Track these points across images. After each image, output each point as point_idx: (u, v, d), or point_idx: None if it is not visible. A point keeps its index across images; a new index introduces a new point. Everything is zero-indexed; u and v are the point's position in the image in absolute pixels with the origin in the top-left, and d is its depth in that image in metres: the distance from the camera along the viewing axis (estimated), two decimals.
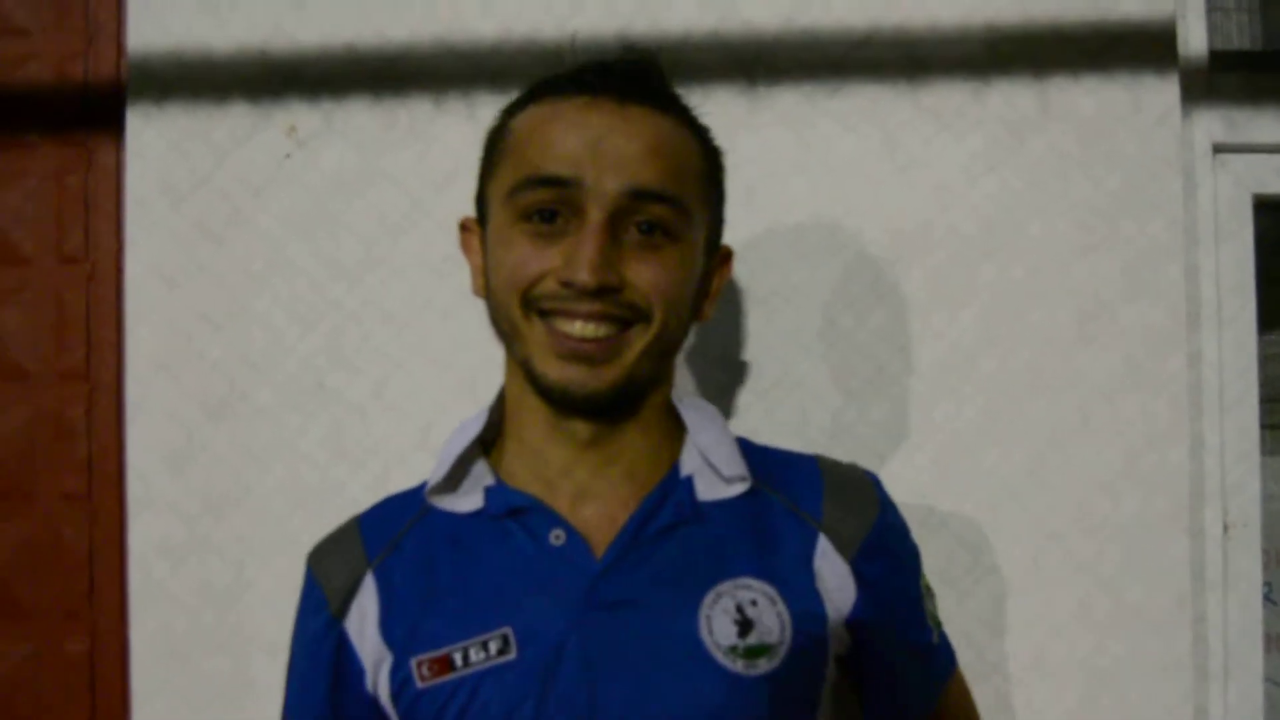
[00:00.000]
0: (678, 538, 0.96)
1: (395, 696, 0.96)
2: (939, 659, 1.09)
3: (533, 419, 0.97)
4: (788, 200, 1.36)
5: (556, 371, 0.91)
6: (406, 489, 1.06)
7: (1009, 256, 1.36)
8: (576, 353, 0.91)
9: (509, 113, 0.99)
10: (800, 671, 0.95)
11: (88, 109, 1.44)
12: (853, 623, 1.00)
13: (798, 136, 1.37)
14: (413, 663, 0.94)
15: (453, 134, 1.37)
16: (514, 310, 0.92)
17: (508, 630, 0.93)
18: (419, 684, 0.94)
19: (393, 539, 1.01)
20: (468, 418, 1.03)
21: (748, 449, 1.02)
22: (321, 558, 1.04)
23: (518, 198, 0.92)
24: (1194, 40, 1.43)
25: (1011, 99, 1.36)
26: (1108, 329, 1.36)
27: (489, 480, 1.00)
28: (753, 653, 0.93)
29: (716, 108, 1.35)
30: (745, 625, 0.93)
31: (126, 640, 1.39)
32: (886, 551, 1.02)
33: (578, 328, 0.90)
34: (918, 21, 1.37)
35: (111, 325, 1.43)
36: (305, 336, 1.38)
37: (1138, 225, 1.36)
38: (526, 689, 0.91)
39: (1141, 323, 1.36)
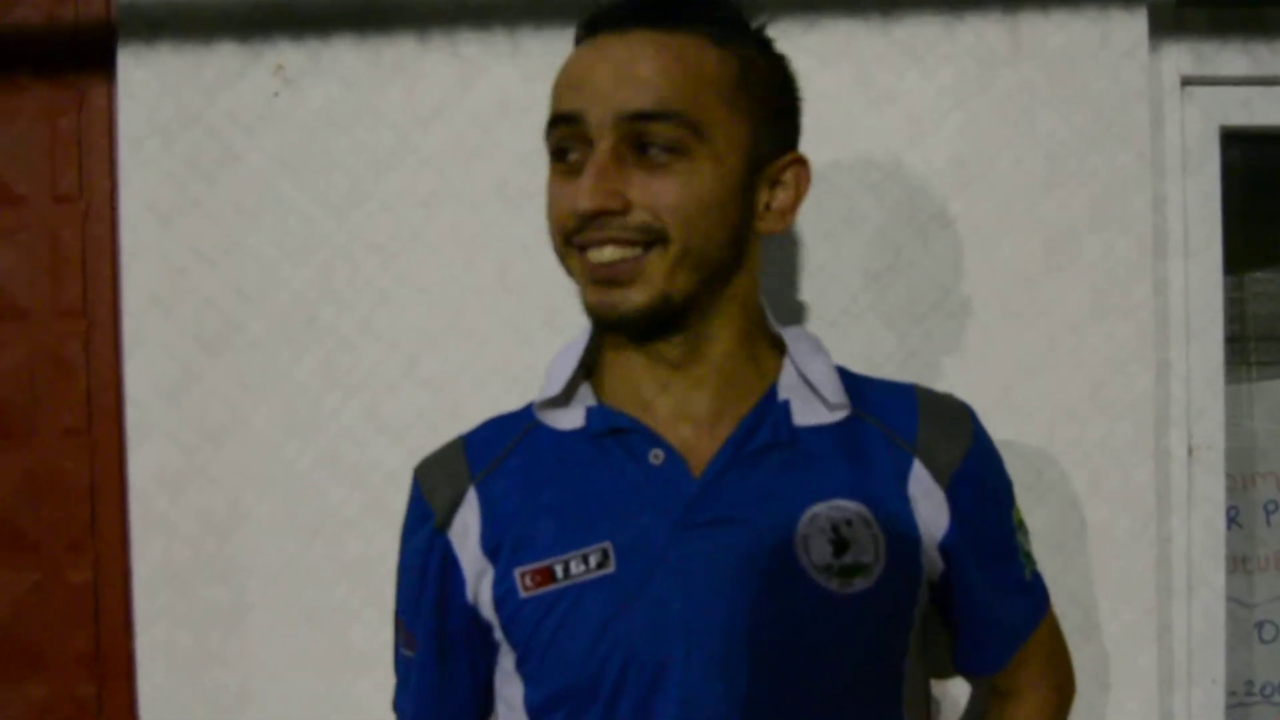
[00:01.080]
0: (774, 459, 0.99)
1: (498, 605, 1.00)
2: (1032, 597, 1.11)
3: (622, 344, 1.00)
4: None
5: (593, 297, 0.95)
6: (510, 410, 1.10)
7: (979, 189, 1.39)
8: (603, 277, 0.93)
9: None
10: (894, 592, 0.98)
11: (78, 50, 1.46)
12: (945, 548, 1.02)
13: None
14: (516, 574, 0.98)
15: (437, 71, 1.40)
16: (560, 248, 0.97)
17: (607, 545, 0.96)
18: (522, 594, 0.98)
19: (496, 456, 1.05)
20: (571, 339, 1.06)
21: (846, 376, 1.05)
22: (427, 472, 1.08)
23: (549, 137, 0.97)
24: None
25: (982, 33, 1.39)
26: (1076, 259, 1.40)
27: (590, 401, 1.03)
28: (847, 571, 0.95)
29: None
30: (841, 545, 0.96)
31: (128, 569, 1.43)
32: (980, 480, 1.04)
33: (596, 254, 0.93)
34: None
35: (107, 262, 1.46)
36: (297, 270, 1.41)
37: (1105, 157, 1.40)
38: (625, 601, 0.94)
39: (1109, 253, 1.40)
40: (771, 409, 1.01)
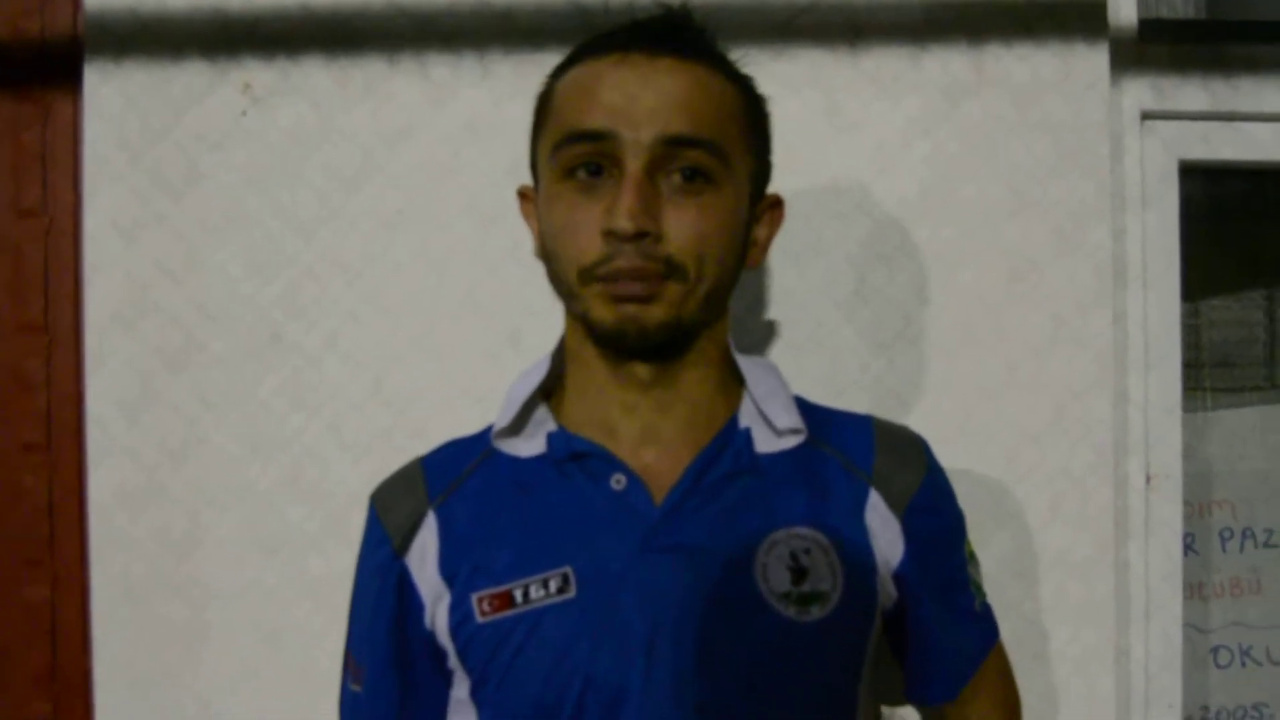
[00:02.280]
0: (735, 486, 0.99)
1: (454, 631, 0.99)
2: (981, 626, 1.13)
3: (593, 366, 1.00)
4: None
5: (611, 314, 0.93)
6: (468, 435, 1.09)
7: (942, 217, 1.41)
8: (627, 295, 0.92)
9: (553, 77, 1.02)
10: (850, 620, 0.98)
11: (44, 65, 1.45)
12: (899, 577, 1.03)
13: None
14: (473, 598, 0.97)
15: (406, 93, 1.40)
16: (571, 277, 0.95)
17: (568, 569, 0.96)
18: (479, 619, 0.97)
19: (455, 480, 1.04)
20: (529, 366, 1.06)
21: (804, 406, 1.06)
22: (384, 496, 1.08)
23: (560, 154, 0.95)
24: (1124, 9, 1.48)
25: (947, 64, 1.41)
26: (1037, 288, 1.41)
27: (551, 426, 1.03)
28: (805, 600, 0.96)
29: None
30: (799, 573, 0.96)
31: (87, 587, 1.42)
32: (934, 509, 1.06)
33: (625, 287, 0.92)
34: None
35: (70, 278, 1.45)
36: (261, 288, 1.40)
37: (1067, 188, 1.41)
38: (584, 626, 0.94)
39: (1069, 282, 1.41)
40: (734, 436, 1.01)
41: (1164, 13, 1.59)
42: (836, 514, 1.01)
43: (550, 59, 1.01)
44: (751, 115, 1.01)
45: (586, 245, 0.93)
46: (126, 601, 1.40)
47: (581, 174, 0.94)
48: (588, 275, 0.93)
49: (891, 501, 1.03)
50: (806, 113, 1.41)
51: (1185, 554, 1.54)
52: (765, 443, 1.02)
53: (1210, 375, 1.68)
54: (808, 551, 0.98)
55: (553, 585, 0.96)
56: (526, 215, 1.07)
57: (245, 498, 1.40)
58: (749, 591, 0.95)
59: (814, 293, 1.41)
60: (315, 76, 1.41)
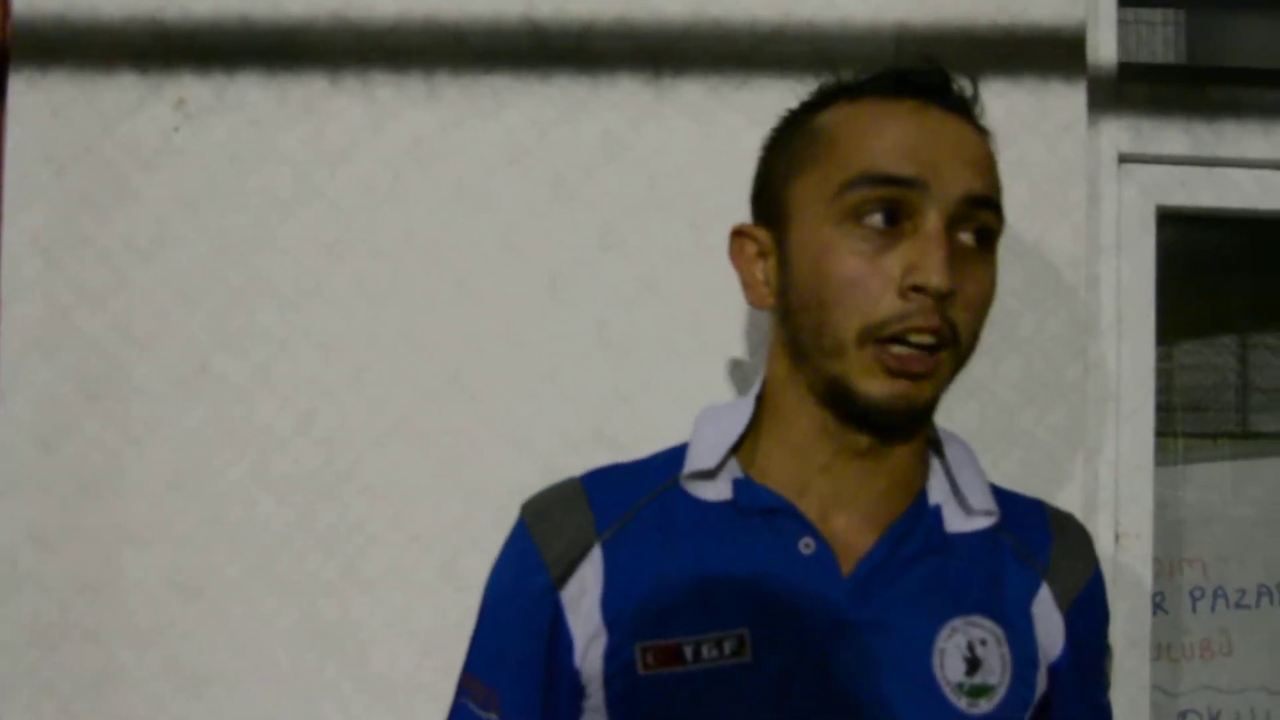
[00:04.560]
0: (924, 565, 0.94)
1: (609, 679, 0.92)
2: (1106, 717, 1.09)
3: (802, 422, 0.94)
4: (691, 193, 1.35)
5: (882, 389, 0.87)
6: (630, 460, 1.02)
7: None
8: (907, 369, 0.87)
9: (808, 110, 0.97)
10: (1012, 715, 0.94)
11: None
12: (1054, 670, 0.99)
13: (702, 129, 1.35)
14: (637, 648, 0.91)
15: (348, 113, 1.33)
16: (849, 334, 0.88)
17: (744, 631, 0.90)
18: (640, 670, 0.90)
19: (625, 514, 0.96)
20: (718, 404, 1.00)
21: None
22: (543, 517, 0.99)
23: (849, 195, 0.88)
24: (1104, 50, 1.44)
25: None
26: (1008, 337, 1.36)
27: (737, 473, 0.96)
28: (976, 692, 0.92)
29: (622, 97, 1.35)
30: (974, 663, 0.93)
31: None
32: (1094, 607, 1.03)
33: (918, 338, 0.86)
34: (827, 17, 1.36)
35: None
36: (189, 315, 1.33)
37: (1041, 232, 1.36)
38: (756, 695, 0.89)
39: (1042, 331, 1.36)
40: (925, 512, 0.96)
41: (1144, 55, 1.56)
42: (1009, 603, 0.97)
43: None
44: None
45: (879, 300, 0.87)
46: (33, 647, 1.32)
47: (877, 219, 0.88)
48: (871, 334, 0.87)
49: (1059, 597, 0.99)
50: None
51: (1154, 613, 1.49)
52: (955, 521, 0.97)
53: (1182, 420, 1.65)
54: (984, 642, 0.94)
55: (727, 647, 0.90)
56: (740, 257, 0.98)
57: (164, 537, 1.33)
58: (927, 678, 0.91)
59: None
60: (253, 93, 1.34)
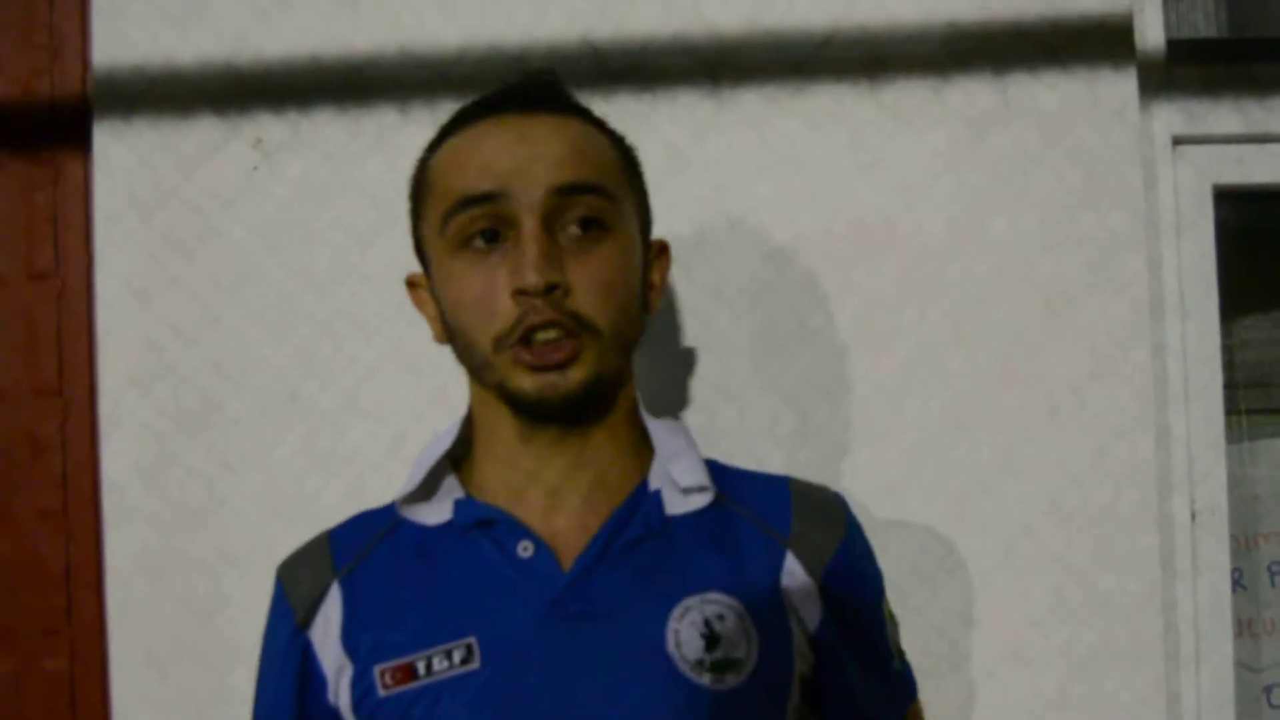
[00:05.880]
0: (646, 550, 0.96)
1: (356, 705, 0.96)
2: (900, 685, 1.10)
3: (501, 432, 0.98)
4: (753, 200, 1.38)
5: (531, 383, 0.92)
6: (378, 506, 1.06)
7: (973, 253, 1.38)
8: (542, 362, 0.91)
9: (425, 156, 1.02)
10: (766, 688, 0.95)
11: (54, 125, 1.43)
12: (817, 641, 1.00)
13: (761, 137, 1.38)
14: (375, 671, 0.94)
15: (418, 142, 1.34)
16: (484, 348, 0.93)
17: (472, 640, 0.93)
18: (380, 692, 0.94)
19: (361, 551, 1.02)
20: (441, 431, 1.04)
21: (717, 469, 1.03)
22: (290, 569, 1.05)
23: (451, 224, 0.94)
24: (1151, 32, 1.45)
25: (971, 96, 1.38)
26: (1073, 323, 1.37)
27: (458, 494, 1.00)
28: (719, 667, 0.93)
29: (682, 110, 1.38)
30: (712, 639, 0.93)
31: (106, 655, 1.39)
32: (852, 572, 1.03)
33: (543, 334, 0.91)
34: (878, 21, 1.38)
35: (83, 341, 1.43)
36: (278, 347, 1.38)
37: (1099, 219, 1.38)
38: (489, 699, 0.91)
39: (1105, 315, 1.38)
40: (644, 499, 0.99)
41: (1185, 32, 1.56)
42: (751, 577, 0.97)
43: None
44: (629, 164, 1.01)
45: (498, 311, 0.92)
46: (148, 670, 1.37)
47: (478, 242, 0.93)
48: (502, 342, 0.92)
49: (808, 565, 0.99)
50: (827, 150, 1.38)
51: (1233, 590, 1.49)
52: (675, 504, 0.99)
53: (1245, 396, 1.65)
54: (721, 617, 0.94)
55: (456, 656, 0.93)
56: (419, 304, 1.04)
57: (265, 561, 1.34)
58: (661, 659, 0.92)
59: (842, 336, 1.37)
60: (326, 128, 1.39)
